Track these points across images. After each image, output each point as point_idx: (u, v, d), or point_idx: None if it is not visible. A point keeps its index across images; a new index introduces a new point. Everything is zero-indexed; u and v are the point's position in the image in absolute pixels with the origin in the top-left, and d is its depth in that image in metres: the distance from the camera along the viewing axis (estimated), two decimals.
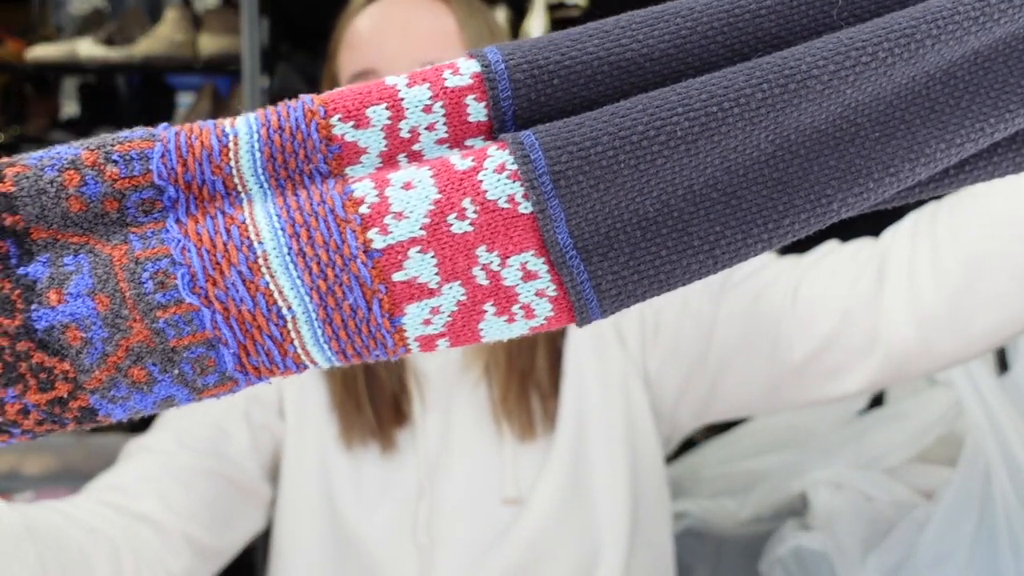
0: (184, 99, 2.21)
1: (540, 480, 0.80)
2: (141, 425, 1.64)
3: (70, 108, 2.27)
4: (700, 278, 0.30)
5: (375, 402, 0.82)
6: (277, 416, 0.84)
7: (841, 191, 0.30)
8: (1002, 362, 0.97)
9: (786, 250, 0.78)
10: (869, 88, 0.29)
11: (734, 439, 1.15)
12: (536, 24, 1.62)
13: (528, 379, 0.82)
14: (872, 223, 0.69)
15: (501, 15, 1.62)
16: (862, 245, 0.75)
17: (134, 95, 2.25)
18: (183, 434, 0.79)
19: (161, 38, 1.89)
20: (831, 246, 0.77)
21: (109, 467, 0.78)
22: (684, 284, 0.30)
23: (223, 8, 1.93)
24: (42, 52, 1.91)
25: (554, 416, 0.82)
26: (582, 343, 0.83)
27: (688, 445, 1.18)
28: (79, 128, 2.08)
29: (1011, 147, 0.31)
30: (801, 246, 0.80)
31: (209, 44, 1.86)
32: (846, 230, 0.67)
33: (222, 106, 2.04)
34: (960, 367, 0.87)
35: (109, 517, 0.69)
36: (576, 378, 0.82)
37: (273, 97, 1.65)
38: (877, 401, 1.12)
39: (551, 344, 0.83)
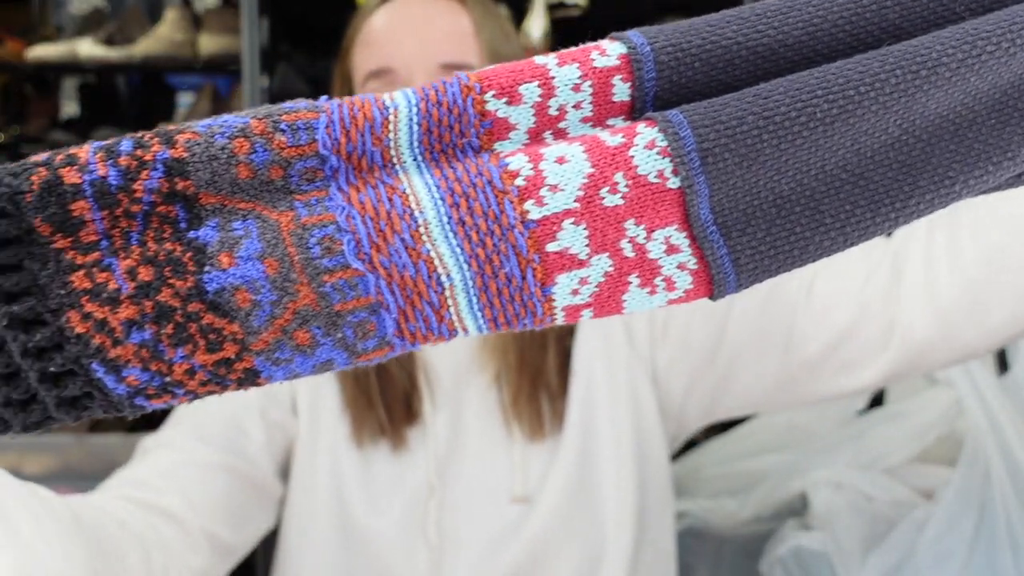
0: (184, 99, 2.21)
1: (548, 479, 0.81)
2: (141, 426, 1.64)
3: (70, 108, 2.26)
4: (831, 254, 0.32)
5: (386, 400, 0.82)
6: (291, 414, 0.85)
7: (963, 174, 0.32)
8: (1002, 362, 0.97)
9: None
10: (990, 76, 0.31)
11: (734, 439, 1.15)
12: (536, 24, 1.62)
13: (539, 380, 0.82)
14: None
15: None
16: (875, 242, 0.74)
17: (134, 95, 2.25)
18: (200, 430, 0.79)
19: (161, 38, 1.89)
20: None
21: (109, 467, 0.78)
22: (816, 259, 0.32)
23: (223, 8, 1.93)
24: (42, 52, 1.91)
25: (562, 415, 0.82)
26: (590, 342, 0.84)
27: (688, 445, 1.18)
28: (79, 128, 2.08)
29: None
30: None
31: (209, 44, 1.86)
32: None
33: (222, 106, 2.04)
34: (960, 367, 0.87)
35: (133, 512, 0.68)
36: (584, 377, 0.83)
37: (273, 97, 1.64)
38: (877, 401, 1.12)
39: (560, 344, 0.84)
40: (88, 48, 1.89)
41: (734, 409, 0.85)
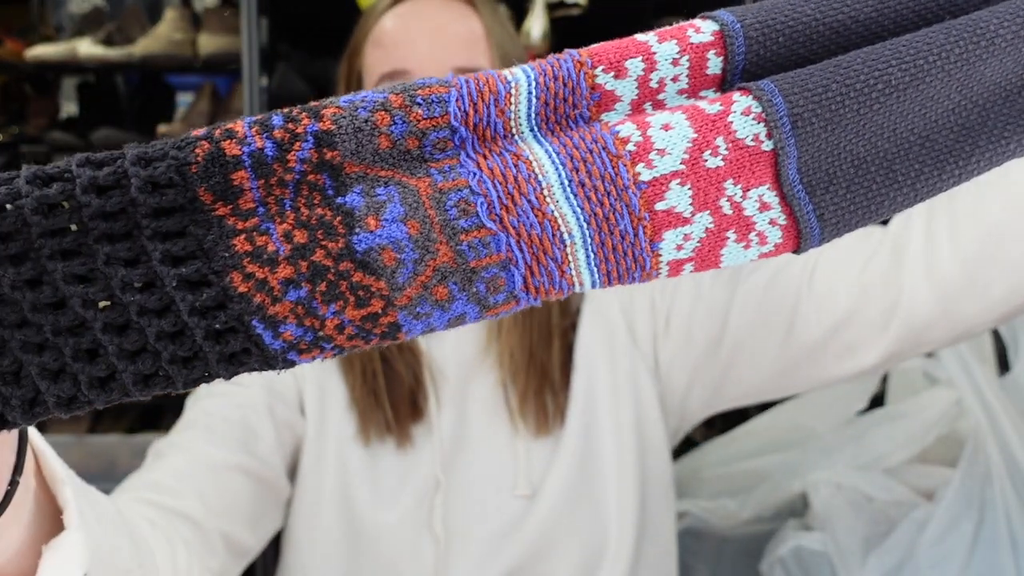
0: (183, 98, 2.21)
1: (550, 473, 0.82)
2: (140, 426, 1.64)
3: (69, 108, 2.26)
4: (904, 209, 0.35)
5: (392, 398, 0.83)
6: (298, 413, 0.86)
7: (1016, 133, 0.35)
8: (1003, 362, 0.97)
9: None
10: None
11: (734, 439, 1.15)
12: (536, 24, 1.62)
13: (544, 377, 0.83)
14: None
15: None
16: (872, 229, 0.76)
17: (133, 94, 2.25)
18: (212, 432, 0.80)
19: (160, 37, 1.88)
20: None
21: (109, 467, 0.78)
22: (891, 214, 0.35)
23: (222, 8, 1.93)
24: (42, 52, 1.91)
25: (564, 410, 0.83)
26: (593, 338, 0.85)
27: (688, 445, 1.18)
28: (78, 128, 2.07)
29: None
30: None
31: (208, 43, 1.86)
32: None
33: (221, 105, 2.04)
34: (960, 367, 0.87)
35: (154, 514, 0.69)
36: (586, 373, 0.84)
37: (272, 97, 1.64)
38: (877, 401, 1.12)
39: (563, 339, 0.85)
40: (88, 48, 1.89)
41: (736, 399, 0.86)
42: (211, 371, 0.31)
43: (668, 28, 0.34)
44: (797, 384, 0.82)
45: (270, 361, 0.32)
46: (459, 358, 0.85)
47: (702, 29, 0.34)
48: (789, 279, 0.78)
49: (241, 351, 0.31)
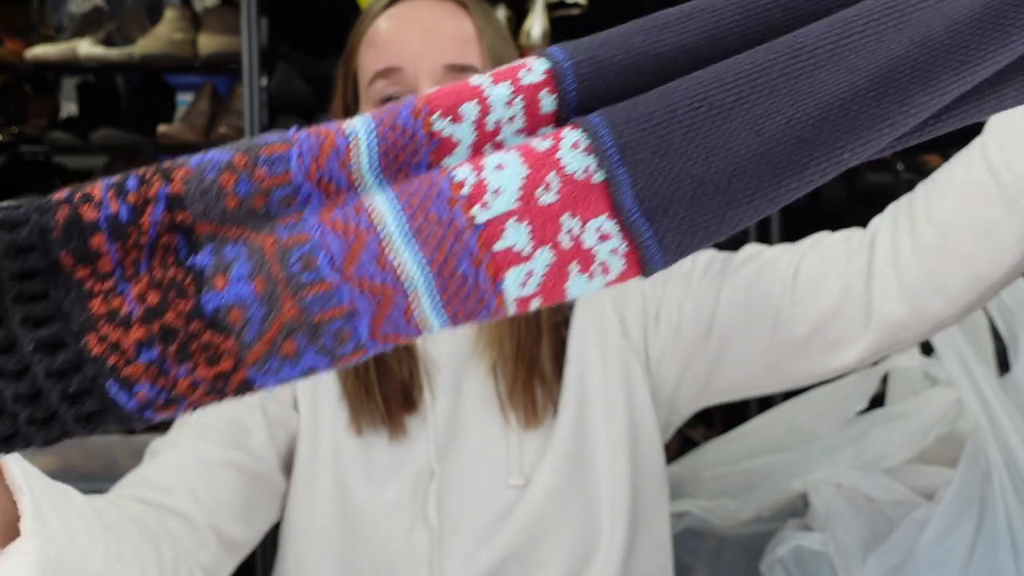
0: (183, 98, 2.21)
1: (542, 463, 0.84)
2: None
3: (69, 108, 2.26)
4: (746, 224, 0.36)
5: (384, 389, 0.85)
6: (291, 409, 0.87)
7: (850, 142, 0.35)
8: (1003, 362, 0.97)
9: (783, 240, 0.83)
10: (865, 54, 0.35)
11: (734, 439, 1.15)
12: (536, 24, 1.62)
13: (533, 369, 0.85)
14: (862, 213, 0.75)
15: (501, 15, 1.62)
16: (853, 231, 0.79)
17: (133, 94, 2.25)
18: (205, 431, 0.81)
19: (160, 37, 1.89)
20: (823, 234, 0.82)
21: (109, 467, 0.79)
22: (734, 231, 0.36)
23: (222, 8, 1.93)
24: (42, 52, 1.91)
25: (556, 402, 0.85)
26: (585, 331, 0.86)
27: (688, 445, 1.18)
28: (78, 128, 2.07)
29: (995, 87, 0.37)
30: (794, 236, 0.83)
31: (208, 43, 1.86)
32: (838, 221, 0.75)
33: (221, 105, 2.04)
34: (960, 367, 0.87)
35: (144, 511, 0.70)
36: (578, 365, 0.85)
37: (272, 97, 1.64)
38: (877, 401, 1.12)
39: (555, 333, 0.86)
40: (87, 48, 1.89)
41: (724, 393, 0.88)
42: (68, 430, 0.32)
43: (503, 68, 0.35)
44: (784, 379, 0.84)
45: (125, 420, 0.32)
46: (453, 349, 0.87)
47: (533, 69, 0.35)
48: (774, 277, 0.80)
49: (97, 412, 0.32)
